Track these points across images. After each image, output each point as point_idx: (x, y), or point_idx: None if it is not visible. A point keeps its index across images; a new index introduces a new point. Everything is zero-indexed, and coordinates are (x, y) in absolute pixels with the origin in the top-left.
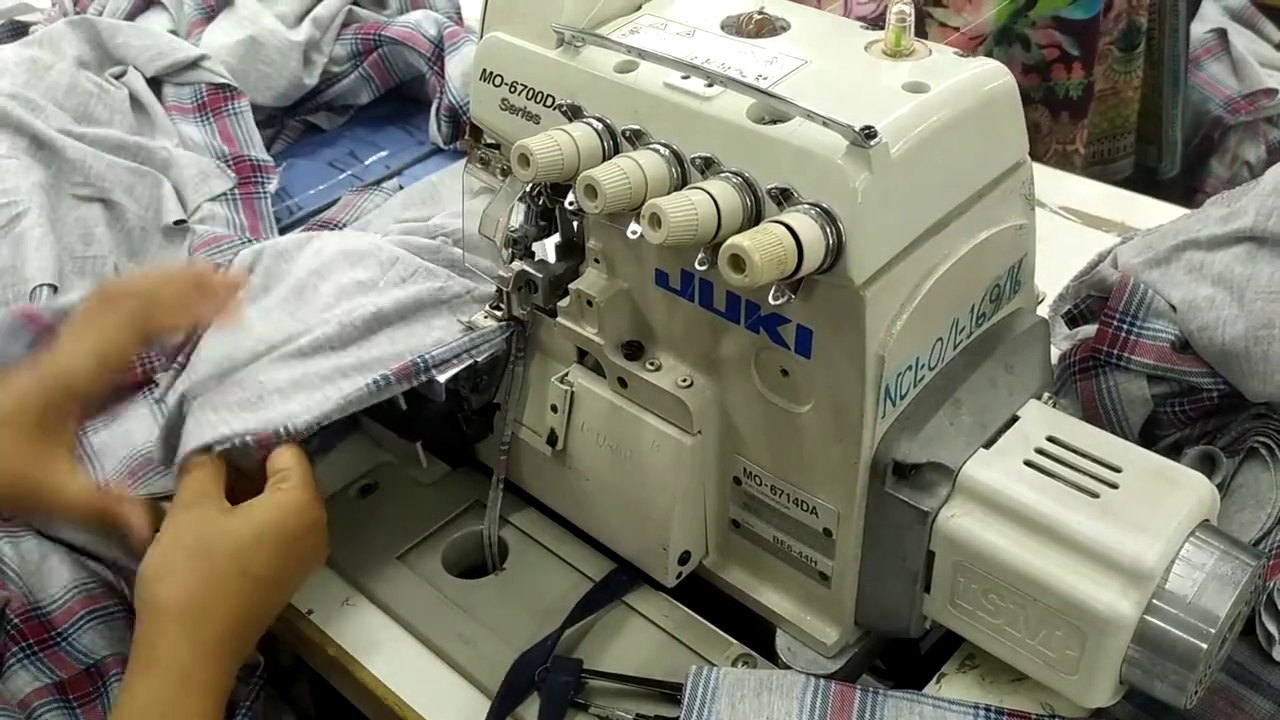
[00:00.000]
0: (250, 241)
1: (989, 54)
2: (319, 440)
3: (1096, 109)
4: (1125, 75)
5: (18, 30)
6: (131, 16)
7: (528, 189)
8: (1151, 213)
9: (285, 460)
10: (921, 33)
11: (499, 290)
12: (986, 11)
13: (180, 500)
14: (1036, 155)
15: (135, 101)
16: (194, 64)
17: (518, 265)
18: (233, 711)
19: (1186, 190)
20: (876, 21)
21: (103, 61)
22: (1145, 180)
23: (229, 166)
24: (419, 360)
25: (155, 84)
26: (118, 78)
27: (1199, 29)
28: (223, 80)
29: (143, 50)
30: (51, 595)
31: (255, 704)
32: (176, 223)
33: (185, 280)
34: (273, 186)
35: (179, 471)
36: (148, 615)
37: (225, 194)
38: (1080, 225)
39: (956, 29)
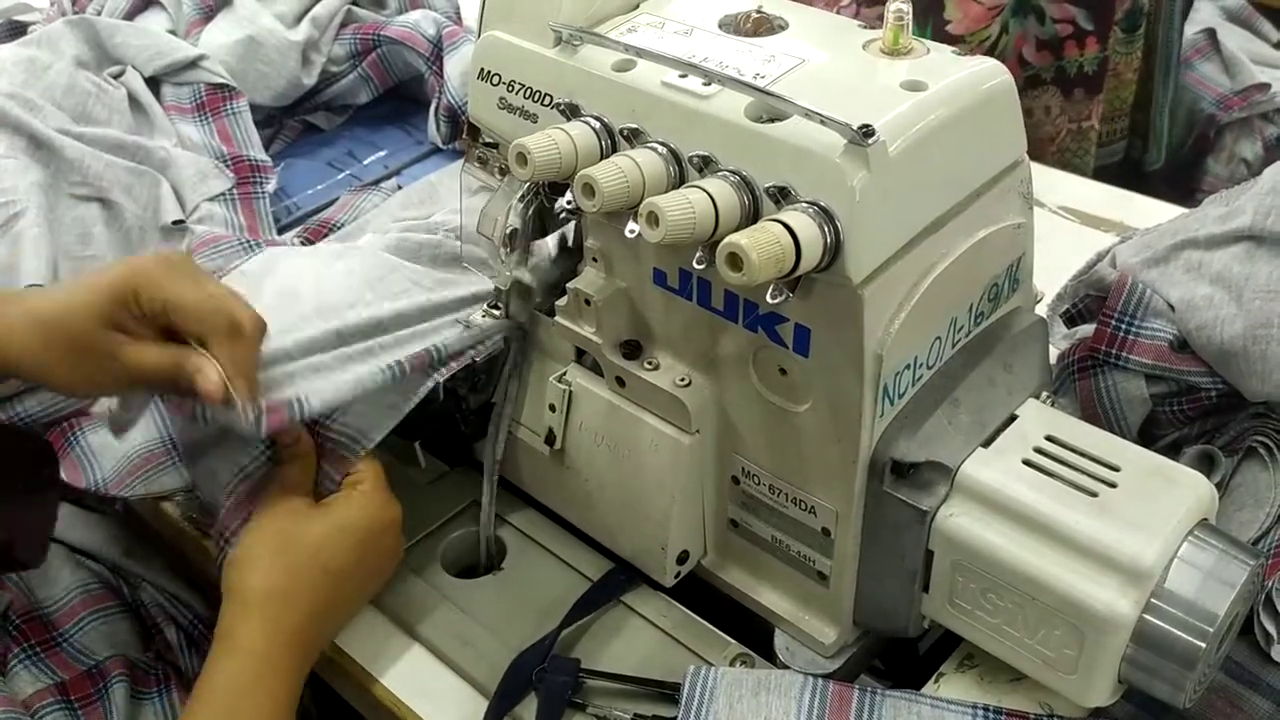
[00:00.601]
0: (248, 243)
1: (1005, 25)
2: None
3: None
4: (1126, 57)
5: (16, 30)
6: (130, 16)
7: (526, 188)
8: (1150, 212)
9: (360, 465)
10: (939, 4)
11: (497, 289)
12: None
13: (269, 495)
14: (1050, 136)
15: (134, 101)
16: (193, 64)
17: (515, 269)
18: None
19: (1185, 189)
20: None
21: (101, 61)
22: (1133, 172)
23: (227, 166)
24: (433, 350)
25: (154, 84)
26: (116, 77)
27: (1190, 29)
28: (221, 80)
29: (141, 50)
30: (53, 596)
31: None
32: (175, 223)
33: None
34: (271, 186)
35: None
36: (232, 601)
37: (224, 194)
38: (1079, 225)
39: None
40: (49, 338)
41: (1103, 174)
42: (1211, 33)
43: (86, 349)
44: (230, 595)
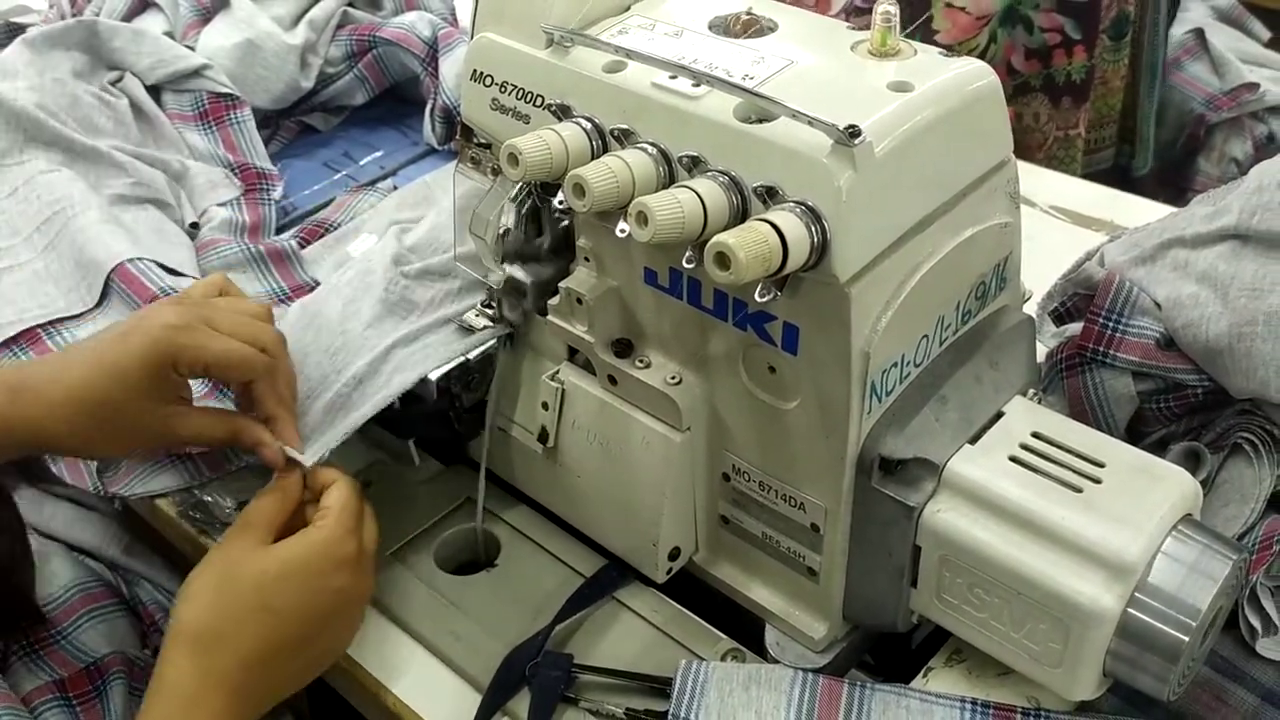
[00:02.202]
0: (248, 248)
1: (994, 35)
2: None
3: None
4: (1114, 65)
5: (14, 31)
6: (127, 18)
7: (518, 188)
8: (1140, 212)
9: (330, 498)
10: (928, 14)
11: (490, 289)
12: None
13: (230, 529)
14: (1037, 144)
15: (136, 109)
16: (196, 73)
17: (507, 267)
18: None
19: (1176, 189)
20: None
21: (96, 66)
22: (1120, 177)
23: (235, 175)
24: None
25: (153, 90)
26: (114, 83)
27: (1178, 30)
28: (226, 90)
29: (143, 56)
30: (52, 594)
31: None
32: (191, 225)
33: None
34: (277, 194)
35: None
36: (168, 634)
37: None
38: (1069, 224)
39: (963, 9)
40: (94, 416)
41: (1092, 181)
42: (1200, 33)
43: (134, 424)
44: (168, 629)
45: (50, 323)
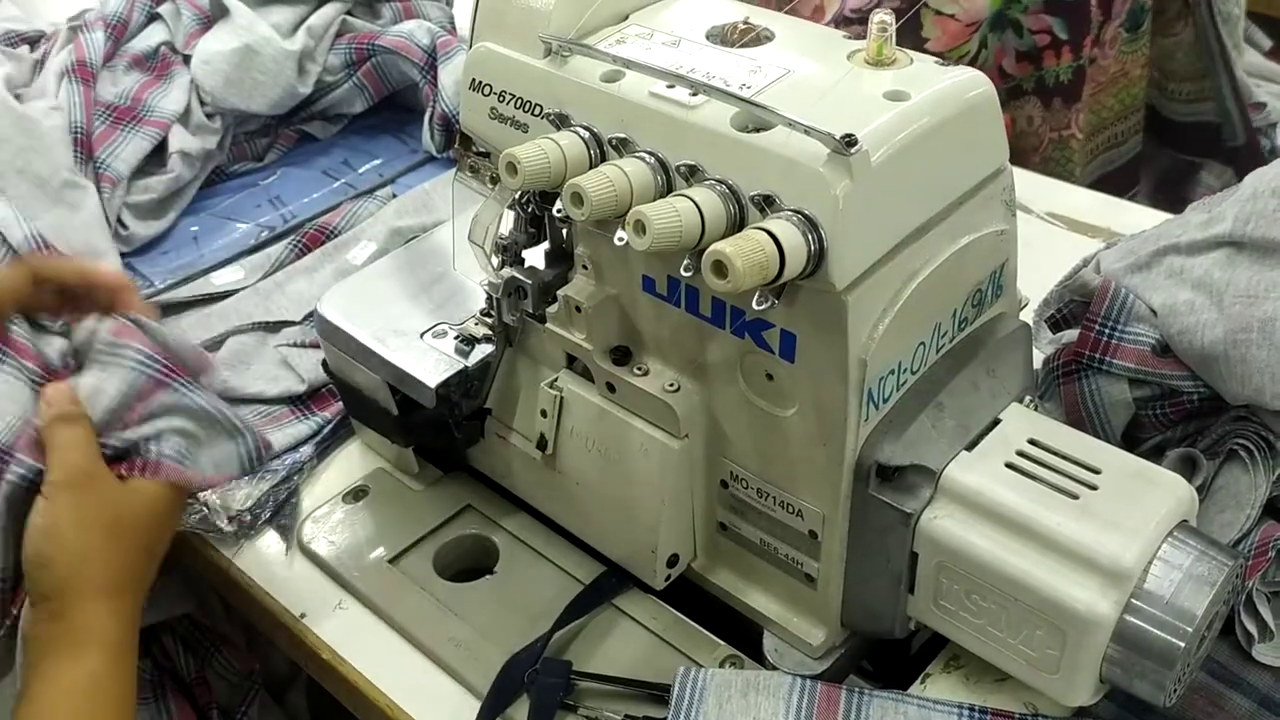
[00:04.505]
0: None
1: (984, 40)
2: (314, 446)
3: (1108, 92)
4: (1133, 55)
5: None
6: (129, 30)
7: (517, 196)
8: (1137, 219)
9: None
10: (917, 21)
11: (489, 297)
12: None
13: (70, 477)
14: (1033, 147)
15: None
16: None
17: (507, 272)
18: (227, 717)
19: (1176, 199)
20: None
21: None
22: (1212, 142)
23: None
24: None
25: None
26: None
27: None
28: None
29: None
30: None
31: (250, 709)
32: None
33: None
34: None
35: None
36: (71, 597)
37: None
38: (1066, 231)
39: (952, 16)
40: None
41: (1120, 174)
42: None
43: None
44: (66, 591)
45: None
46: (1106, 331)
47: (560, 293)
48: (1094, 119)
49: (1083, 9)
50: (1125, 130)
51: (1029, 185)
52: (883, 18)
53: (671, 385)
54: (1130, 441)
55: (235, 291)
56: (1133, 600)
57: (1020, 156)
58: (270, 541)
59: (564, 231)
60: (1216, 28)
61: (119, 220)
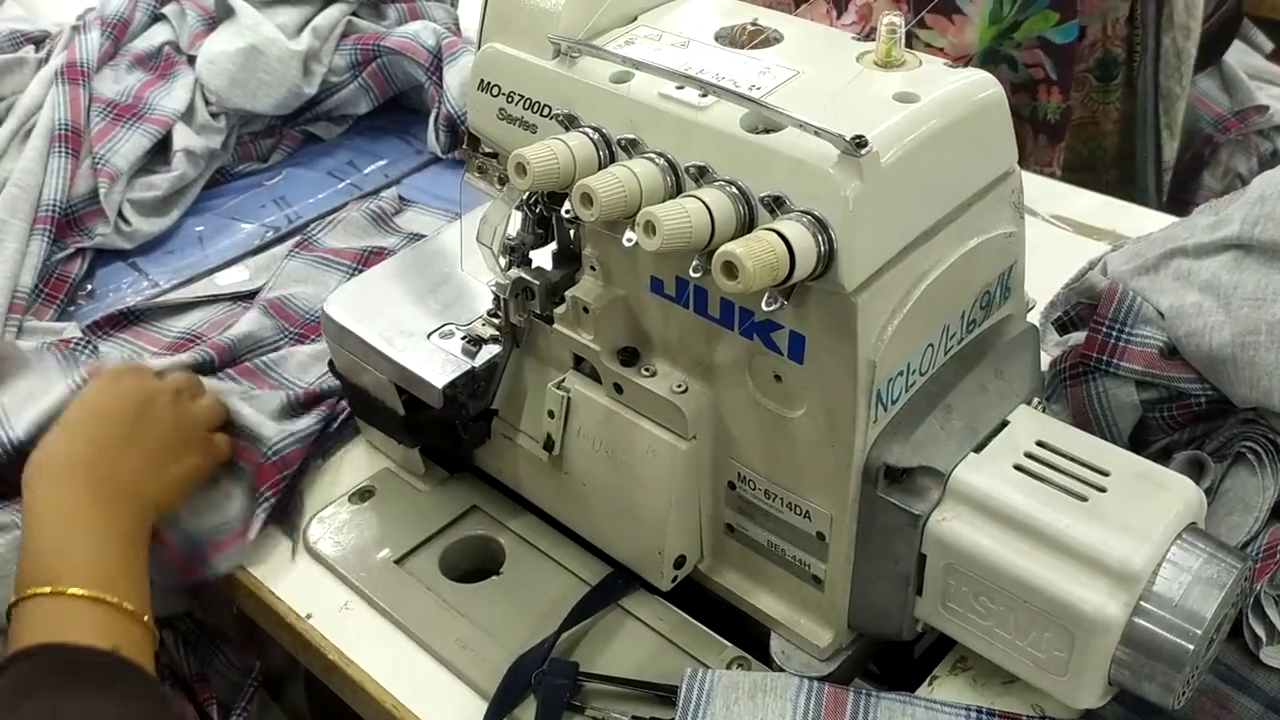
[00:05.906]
0: None
1: None
2: (318, 447)
3: (1076, 136)
4: (1104, 106)
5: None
6: (132, 29)
7: (525, 197)
8: (1142, 222)
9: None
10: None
11: (496, 297)
12: (971, 35)
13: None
14: None
15: None
16: None
17: (515, 273)
18: (227, 714)
19: (1180, 203)
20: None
21: None
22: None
23: None
24: None
25: None
26: None
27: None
28: None
29: None
30: None
31: (249, 705)
32: None
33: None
34: None
35: None
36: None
37: None
38: (1072, 234)
39: (941, 50)
40: None
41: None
42: None
43: None
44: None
45: None
46: (1114, 334)
47: (568, 294)
48: (1070, 159)
49: (1069, 52)
50: (1093, 183)
51: (1034, 188)
52: (892, 19)
53: (679, 386)
54: (1137, 444)
55: (240, 292)
56: (1141, 603)
57: None
58: (276, 541)
59: (572, 232)
60: (1156, 101)
61: (121, 216)
